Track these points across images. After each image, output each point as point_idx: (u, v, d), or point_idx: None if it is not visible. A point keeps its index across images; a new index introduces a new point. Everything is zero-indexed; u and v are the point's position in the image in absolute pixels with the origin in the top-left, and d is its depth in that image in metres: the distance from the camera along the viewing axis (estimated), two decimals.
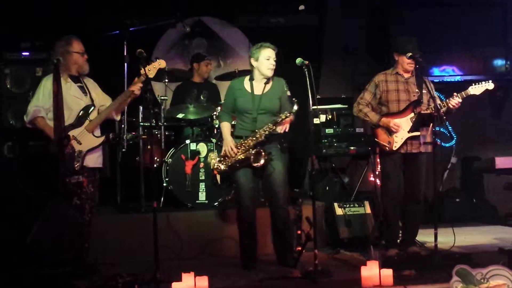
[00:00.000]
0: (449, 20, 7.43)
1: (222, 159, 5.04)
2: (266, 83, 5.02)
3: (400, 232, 5.36)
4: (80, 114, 4.83)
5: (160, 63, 4.91)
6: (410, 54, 5.06)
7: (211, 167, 5.14)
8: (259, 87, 5.02)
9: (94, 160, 4.88)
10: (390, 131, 5.16)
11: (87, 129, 4.82)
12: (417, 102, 5.15)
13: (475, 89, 5.05)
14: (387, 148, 5.16)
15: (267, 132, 4.90)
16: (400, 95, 5.20)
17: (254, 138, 4.91)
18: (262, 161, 4.88)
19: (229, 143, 5.00)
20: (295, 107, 4.89)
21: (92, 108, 4.90)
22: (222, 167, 5.03)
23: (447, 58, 7.52)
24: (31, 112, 4.81)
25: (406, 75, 5.25)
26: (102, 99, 5.03)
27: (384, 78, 5.28)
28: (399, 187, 5.19)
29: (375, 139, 5.25)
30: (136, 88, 4.83)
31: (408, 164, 5.22)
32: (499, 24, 7.55)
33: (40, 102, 4.79)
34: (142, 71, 4.73)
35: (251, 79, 5.05)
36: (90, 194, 4.85)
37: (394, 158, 5.17)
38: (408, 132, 5.11)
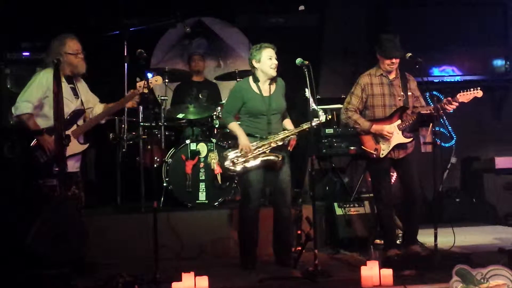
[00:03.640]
0: (449, 20, 7.43)
1: (236, 159, 4.91)
2: (270, 84, 4.99)
3: (401, 233, 5.35)
4: (69, 118, 4.73)
5: (157, 79, 4.94)
6: (410, 54, 4.99)
7: (212, 167, 5.08)
8: (265, 89, 4.98)
9: (71, 165, 4.76)
10: (377, 138, 5.08)
11: (73, 134, 4.73)
12: (404, 108, 5.04)
13: (464, 97, 4.93)
14: (374, 155, 5.08)
15: (291, 137, 4.94)
16: (385, 100, 5.09)
17: (275, 141, 4.90)
18: (280, 164, 4.90)
19: (247, 142, 4.89)
20: (322, 117, 4.93)
21: (82, 113, 4.82)
22: (238, 168, 4.90)
23: (447, 58, 7.52)
24: (20, 106, 4.68)
25: (391, 76, 5.12)
26: (91, 102, 4.95)
27: (369, 80, 5.13)
28: (390, 191, 5.16)
29: (361, 146, 5.16)
30: (132, 103, 4.83)
31: (398, 167, 5.18)
32: (499, 24, 7.55)
33: (31, 97, 4.66)
34: (138, 85, 4.74)
35: (256, 81, 4.99)
36: (64, 198, 4.67)
37: (382, 164, 5.10)
38: (404, 135, 5.04)
